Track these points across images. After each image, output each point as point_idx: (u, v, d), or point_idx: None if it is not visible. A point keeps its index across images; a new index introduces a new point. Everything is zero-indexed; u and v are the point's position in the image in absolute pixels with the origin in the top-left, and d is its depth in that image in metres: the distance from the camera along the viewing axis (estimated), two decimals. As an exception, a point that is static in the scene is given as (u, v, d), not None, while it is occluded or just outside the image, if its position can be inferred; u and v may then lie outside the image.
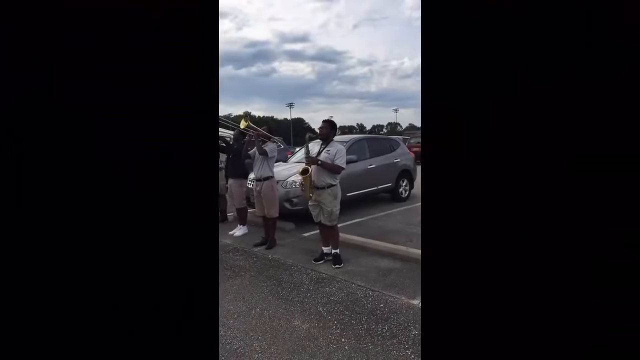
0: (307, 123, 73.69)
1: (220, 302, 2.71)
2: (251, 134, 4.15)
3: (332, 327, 2.30)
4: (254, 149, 4.14)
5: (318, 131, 3.61)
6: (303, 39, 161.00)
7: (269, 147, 4.10)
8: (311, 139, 3.69)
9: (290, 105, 70.49)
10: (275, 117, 65.88)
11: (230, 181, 4.85)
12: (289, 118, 66.75)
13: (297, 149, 7.58)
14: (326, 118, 3.75)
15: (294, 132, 48.76)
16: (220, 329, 2.31)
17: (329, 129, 3.48)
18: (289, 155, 7.02)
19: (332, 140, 3.48)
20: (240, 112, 56.04)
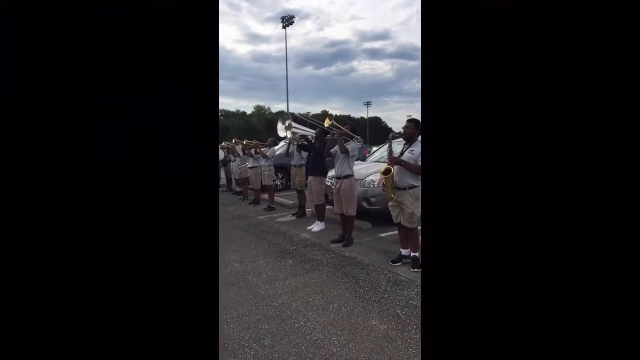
0: (384, 122, 72.50)
1: (300, 293, 2.83)
2: (334, 132, 4.22)
3: (412, 331, 2.24)
4: (335, 147, 4.21)
5: (402, 130, 3.53)
6: (383, 36, 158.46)
7: (350, 145, 4.14)
8: (394, 138, 3.63)
9: (368, 103, 69.78)
10: (352, 115, 65.98)
11: (310, 178, 5.01)
12: (365, 117, 66.34)
13: (375, 148, 7.52)
14: (410, 117, 3.62)
15: (371, 131, 48.35)
16: (300, 319, 2.41)
17: (414, 129, 3.38)
18: (367, 155, 7.01)
19: (416, 140, 3.38)
20: (318, 111, 57.29)
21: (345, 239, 4.14)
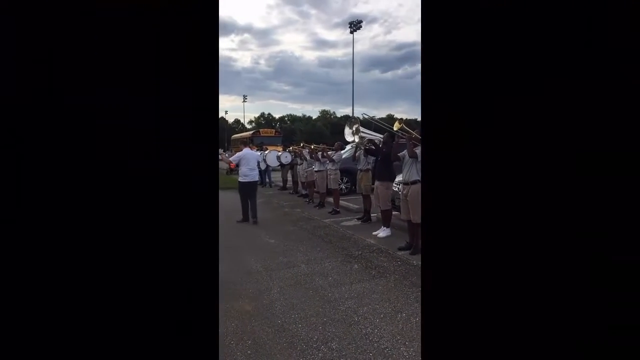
0: (452, 126, 69.04)
1: (366, 299, 2.80)
2: (403, 136, 4.13)
3: (487, 350, 2.09)
4: (403, 152, 4.11)
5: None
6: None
7: (419, 150, 4.01)
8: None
9: (436, 107, 66.84)
10: (417, 119, 64.01)
11: (377, 183, 4.95)
12: (433, 121, 63.77)
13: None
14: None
15: (438, 136, 46.22)
16: (367, 325, 2.38)
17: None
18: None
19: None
20: (383, 115, 56.49)
21: (413, 247, 4.01)
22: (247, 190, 5.90)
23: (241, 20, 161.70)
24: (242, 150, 6.06)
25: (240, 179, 5.91)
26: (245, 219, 5.82)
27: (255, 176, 6.06)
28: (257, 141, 17.08)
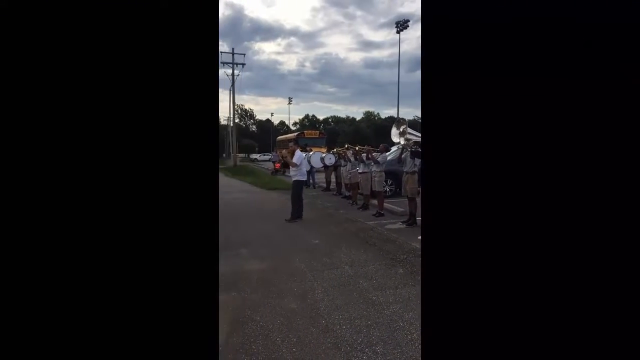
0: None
1: (412, 304, 2.73)
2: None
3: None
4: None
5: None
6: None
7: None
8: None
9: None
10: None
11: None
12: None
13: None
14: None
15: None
16: (412, 331, 2.32)
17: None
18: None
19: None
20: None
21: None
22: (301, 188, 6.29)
23: (287, 24, 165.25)
24: (295, 150, 6.29)
25: (302, 178, 6.28)
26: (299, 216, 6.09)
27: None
28: (301, 142, 17.30)
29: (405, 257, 3.97)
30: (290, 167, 6.34)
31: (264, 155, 42.12)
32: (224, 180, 14.10)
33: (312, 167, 10.49)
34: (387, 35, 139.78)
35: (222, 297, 2.91)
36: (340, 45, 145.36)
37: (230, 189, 11.17)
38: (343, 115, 69.59)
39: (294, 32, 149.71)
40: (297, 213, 6.07)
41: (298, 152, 6.28)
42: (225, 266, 3.71)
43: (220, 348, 2.16)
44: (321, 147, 15.37)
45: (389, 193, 8.25)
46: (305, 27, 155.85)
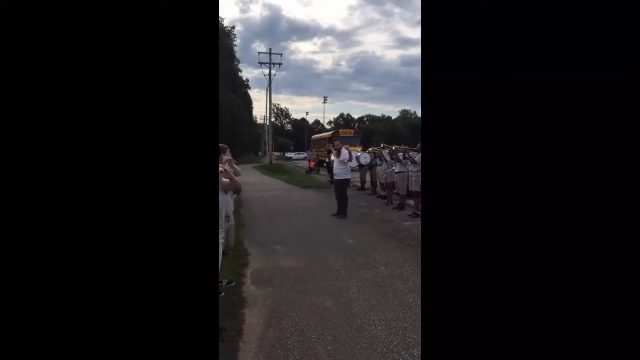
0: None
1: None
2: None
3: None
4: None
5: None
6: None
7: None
8: None
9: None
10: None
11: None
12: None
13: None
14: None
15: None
16: None
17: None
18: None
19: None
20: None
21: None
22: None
23: (324, 23, 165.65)
24: (341, 148, 6.33)
25: (346, 177, 6.35)
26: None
27: None
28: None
29: (442, 259, 3.86)
30: (335, 165, 6.42)
31: (299, 154, 42.52)
32: (260, 178, 14.41)
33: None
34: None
35: (259, 292, 2.98)
36: (377, 43, 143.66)
37: (266, 186, 11.39)
38: (378, 114, 68.90)
39: (330, 31, 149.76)
40: (342, 210, 6.08)
41: (345, 150, 6.30)
42: (261, 262, 3.79)
43: (256, 341, 2.21)
44: (356, 146, 15.28)
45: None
46: (341, 26, 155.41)
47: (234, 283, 3.13)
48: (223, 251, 2.28)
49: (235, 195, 3.06)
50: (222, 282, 2.97)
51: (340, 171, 6.30)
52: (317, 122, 74.35)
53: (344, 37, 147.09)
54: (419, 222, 5.74)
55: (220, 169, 2.10)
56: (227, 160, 2.60)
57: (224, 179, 2.25)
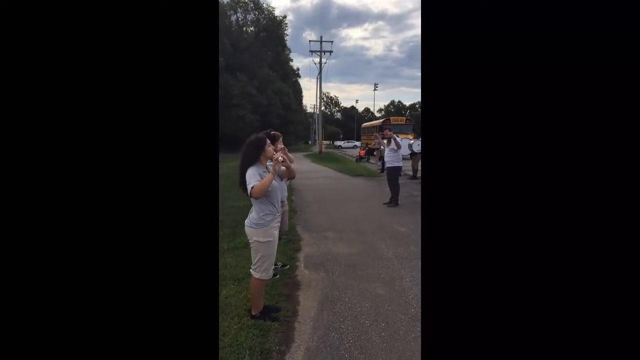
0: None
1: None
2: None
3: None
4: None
5: None
6: None
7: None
8: None
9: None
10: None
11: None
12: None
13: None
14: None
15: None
16: None
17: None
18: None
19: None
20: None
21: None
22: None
23: (375, 7, 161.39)
24: (391, 137, 6.25)
25: (398, 164, 6.24)
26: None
27: None
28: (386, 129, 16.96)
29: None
30: (386, 153, 6.33)
31: (348, 142, 42.30)
32: (310, 166, 14.59)
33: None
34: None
35: (312, 276, 3.05)
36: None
37: (317, 174, 11.51)
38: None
39: (381, 16, 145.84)
40: (394, 198, 6.03)
41: (396, 138, 6.22)
42: (312, 247, 3.87)
43: (311, 322, 2.28)
44: (408, 134, 14.86)
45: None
46: (393, 10, 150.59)
47: (288, 266, 3.23)
48: (278, 235, 2.36)
49: (288, 181, 3.14)
50: (277, 265, 3.08)
51: (391, 159, 6.18)
52: (367, 109, 73.41)
53: (396, 21, 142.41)
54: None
55: (280, 157, 2.17)
56: (281, 149, 2.67)
57: (282, 167, 2.32)
